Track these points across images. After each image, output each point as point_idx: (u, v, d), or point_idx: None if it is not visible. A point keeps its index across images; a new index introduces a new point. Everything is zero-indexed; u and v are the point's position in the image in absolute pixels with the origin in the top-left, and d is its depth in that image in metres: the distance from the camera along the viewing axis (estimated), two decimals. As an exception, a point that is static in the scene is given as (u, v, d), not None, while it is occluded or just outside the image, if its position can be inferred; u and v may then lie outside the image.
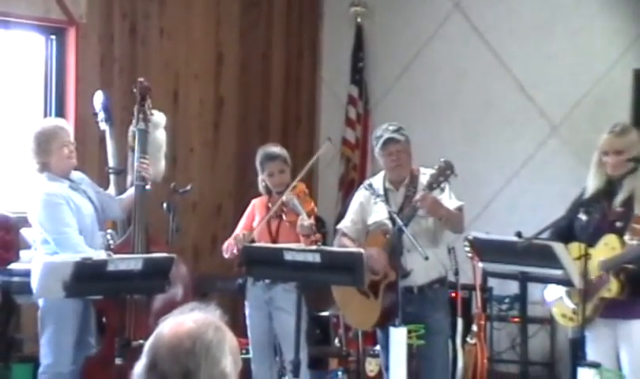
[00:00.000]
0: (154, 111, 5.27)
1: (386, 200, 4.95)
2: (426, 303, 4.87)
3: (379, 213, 4.98)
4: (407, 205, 4.89)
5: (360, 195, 5.13)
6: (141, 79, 5.27)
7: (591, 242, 4.32)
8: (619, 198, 4.49)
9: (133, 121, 5.22)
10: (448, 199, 4.83)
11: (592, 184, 4.55)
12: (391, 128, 4.98)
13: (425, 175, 4.93)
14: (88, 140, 6.19)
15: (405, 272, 4.77)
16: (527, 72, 7.15)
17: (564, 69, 6.95)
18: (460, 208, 4.89)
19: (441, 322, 4.93)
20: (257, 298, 5.25)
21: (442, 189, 4.74)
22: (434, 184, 4.69)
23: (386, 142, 4.95)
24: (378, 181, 5.07)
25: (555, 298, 4.66)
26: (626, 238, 4.36)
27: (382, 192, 4.98)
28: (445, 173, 4.69)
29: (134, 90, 5.24)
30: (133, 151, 5.20)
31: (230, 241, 5.22)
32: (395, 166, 4.97)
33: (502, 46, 7.25)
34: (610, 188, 4.49)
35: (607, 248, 4.38)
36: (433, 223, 4.92)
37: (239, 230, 5.30)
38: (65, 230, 4.78)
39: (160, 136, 5.40)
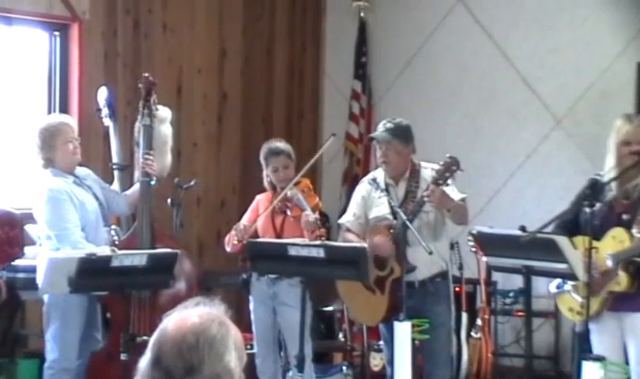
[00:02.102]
0: (159, 106, 5.27)
1: (388, 195, 4.94)
2: (427, 297, 4.87)
3: (381, 208, 4.97)
4: (409, 199, 4.88)
5: (362, 189, 5.12)
6: (146, 74, 5.27)
7: (597, 234, 4.30)
8: (624, 190, 4.47)
9: (139, 117, 5.22)
10: (452, 191, 4.82)
11: (608, 174, 4.50)
12: (387, 125, 4.94)
13: (427, 169, 4.92)
14: (92, 136, 6.20)
15: (411, 267, 4.76)
16: (530, 65, 7.14)
17: (568, 62, 6.94)
18: (463, 200, 4.89)
19: (442, 315, 4.92)
20: (262, 293, 5.25)
21: (447, 184, 4.73)
22: (440, 179, 4.67)
23: (371, 139, 4.96)
24: (380, 175, 5.06)
25: (558, 289, 4.64)
26: (635, 231, 4.35)
27: (383, 186, 4.98)
28: (451, 168, 4.67)
29: (139, 85, 5.24)
30: (138, 146, 5.20)
31: (231, 232, 5.21)
32: (381, 162, 4.96)
33: (505, 39, 7.25)
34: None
35: (614, 241, 4.36)
36: (434, 217, 4.91)
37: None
38: (66, 226, 4.79)
39: (166, 131, 5.40)
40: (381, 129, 4.94)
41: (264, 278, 5.17)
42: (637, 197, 4.45)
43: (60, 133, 4.92)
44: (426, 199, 4.69)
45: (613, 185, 4.47)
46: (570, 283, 4.52)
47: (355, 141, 7.85)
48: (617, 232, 4.37)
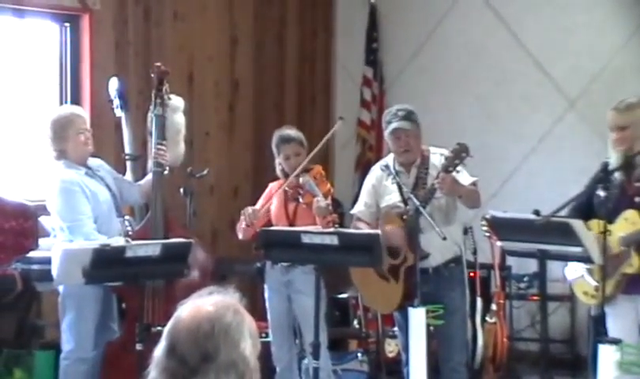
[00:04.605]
0: (172, 95, 5.26)
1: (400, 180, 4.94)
2: (442, 282, 4.86)
3: (392, 196, 4.97)
4: (420, 186, 4.88)
5: (372, 177, 5.12)
6: (158, 63, 5.25)
7: (610, 217, 4.30)
8: (637, 173, 4.47)
9: (151, 107, 5.21)
10: (462, 176, 4.81)
11: (612, 159, 4.54)
12: (400, 113, 4.94)
13: (435, 155, 4.92)
14: (104, 127, 6.20)
15: (424, 254, 4.75)
16: (542, 47, 7.10)
17: (580, 43, 6.90)
18: (474, 183, 4.88)
19: (457, 301, 4.92)
20: (276, 281, 5.26)
21: (457, 171, 4.72)
22: (450, 167, 4.67)
23: (394, 131, 4.94)
24: (391, 161, 5.05)
25: (576, 276, 4.64)
26: (646, 213, 4.35)
27: (394, 172, 4.97)
28: (460, 155, 4.67)
29: (151, 75, 5.23)
30: (151, 136, 5.20)
31: (240, 218, 5.20)
32: (403, 151, 4.95)
33: (516, 21, 7.20)
34: (628, 163, 4.47)
35: (627, 223, 4.37)
36: (445, 202, 4.90)
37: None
38: (79, 217, 4.80)
39: (179, 120, 5.38)
40: (398, 118, 4.92)
41: (278, 266, 5.17)
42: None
43: (72, 125, 4.92)
44: (437, 186, 4.69)
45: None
46: (585, 266, 4.52)
47: (367, 128, 7.83)
48: (630, 214, 4.38)
